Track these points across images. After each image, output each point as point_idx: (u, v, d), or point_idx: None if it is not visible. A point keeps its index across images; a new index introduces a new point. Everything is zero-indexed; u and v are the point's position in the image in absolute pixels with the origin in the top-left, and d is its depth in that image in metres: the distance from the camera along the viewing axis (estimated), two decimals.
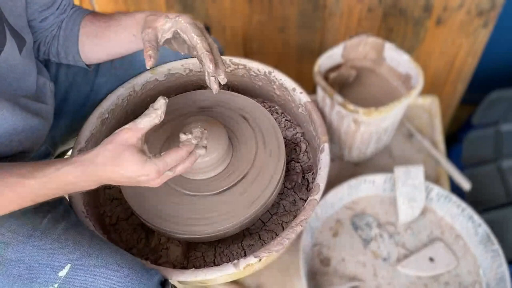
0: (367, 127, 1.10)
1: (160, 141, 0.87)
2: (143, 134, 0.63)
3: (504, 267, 1.03)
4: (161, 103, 0.64)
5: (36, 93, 0.78)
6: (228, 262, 0.73)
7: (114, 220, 0.86)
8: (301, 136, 0.95)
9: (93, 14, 0.86)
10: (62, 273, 0.63)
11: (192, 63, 0.97)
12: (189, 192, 0.81)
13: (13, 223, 0.65)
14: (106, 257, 0.65)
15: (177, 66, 0.97)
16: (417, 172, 1.13)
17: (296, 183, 0.89)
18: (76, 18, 0.85)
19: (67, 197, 0.82)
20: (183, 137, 0.67)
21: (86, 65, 0.87)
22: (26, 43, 0.72)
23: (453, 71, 1.48)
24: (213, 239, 0.81)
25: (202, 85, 1.02)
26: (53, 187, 0.61)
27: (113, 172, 0.62)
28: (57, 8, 0.83)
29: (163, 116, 0.65)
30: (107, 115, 0.91)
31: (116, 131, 0.63)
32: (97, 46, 0.84)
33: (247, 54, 1.50)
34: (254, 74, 0.97)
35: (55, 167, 0.60)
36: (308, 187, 0.89)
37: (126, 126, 0.62)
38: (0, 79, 0.68)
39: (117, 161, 0.61)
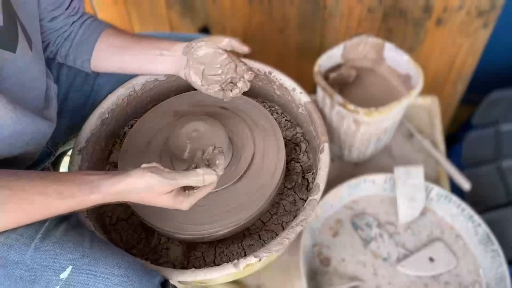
0: (367, 127, 1.10)
1: (160, 143, 0.87)
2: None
3: (504, 267, 1.03)
4: (206, 171, 0.65)
5: (44, 96, 0.78)
6: (228, 262, 0.73)
7: (114, 220, 0.86)
8: (301, 136, 0.95)
9: (118, 28, 0.88)
10: (64, 275, 0.63)
11: None
12: None
13: None
14: (107, 258, 0.65)
15: None
16: (417, 172, 1.13)
17: (296, 183, 0.89)
18: (97, 26, 0.86)
19: None
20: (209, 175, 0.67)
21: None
22: (32, 43, 0.72)
23: (453, 71, 1.48)
24: (213, 239, 0.81)
25: None
26: (77, 209, 0.64)
27: (145, 203, 0.67)
28: (67, 8, 0.83)
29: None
30: (107, 115, 0.91)
31: (154, 182, 0.63)
32: (114, 55, 0.85)
33: (247, 54, 1.50)
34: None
35: (83, 192, 0.63)
36: (308, 187, 0.89)
37: (165, 181, 0.63)
38: (15, 79, 0.68)
39: (152, 202, 0.66)
